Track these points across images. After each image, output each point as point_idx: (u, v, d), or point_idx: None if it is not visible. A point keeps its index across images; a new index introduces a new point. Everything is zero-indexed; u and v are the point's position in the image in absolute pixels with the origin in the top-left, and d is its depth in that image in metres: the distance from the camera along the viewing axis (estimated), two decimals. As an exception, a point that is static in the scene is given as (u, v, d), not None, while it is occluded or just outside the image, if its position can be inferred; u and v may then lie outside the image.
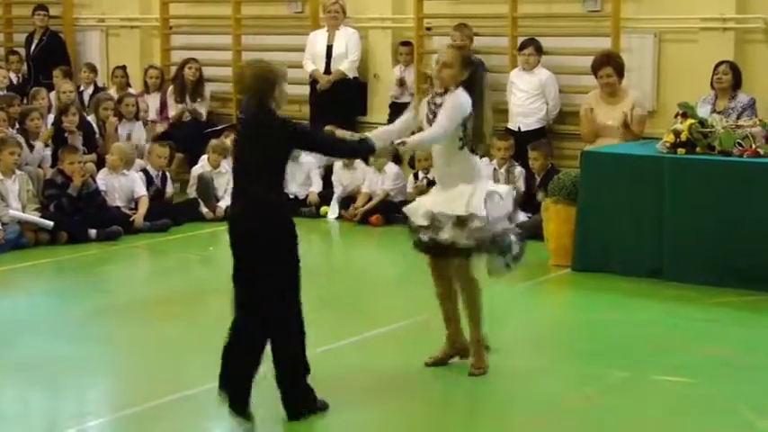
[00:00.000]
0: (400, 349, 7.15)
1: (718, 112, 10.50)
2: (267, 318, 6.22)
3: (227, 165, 13.09)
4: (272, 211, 6.29)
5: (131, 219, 11.88)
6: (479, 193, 6.91)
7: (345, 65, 13.33)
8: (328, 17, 13.51)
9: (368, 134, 6.90)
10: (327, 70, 13.34)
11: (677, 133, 9.59)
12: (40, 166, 12.36)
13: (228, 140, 13.44)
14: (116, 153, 12.35)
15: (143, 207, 12.07)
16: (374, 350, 7.16)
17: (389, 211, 12.12)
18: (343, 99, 13.36)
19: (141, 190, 12.24)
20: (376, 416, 6.55)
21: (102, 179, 12.17)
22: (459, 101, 6.89)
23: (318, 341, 7.17)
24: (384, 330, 7.76)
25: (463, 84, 6.97)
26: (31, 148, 12.36)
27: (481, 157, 7.27)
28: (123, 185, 12.20)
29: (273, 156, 6.28)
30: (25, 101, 13.79)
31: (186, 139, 14.10)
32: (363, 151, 6.88)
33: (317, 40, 13.56)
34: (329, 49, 13.40)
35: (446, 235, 6.83)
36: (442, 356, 7.19)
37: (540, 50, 12.34)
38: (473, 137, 6.93)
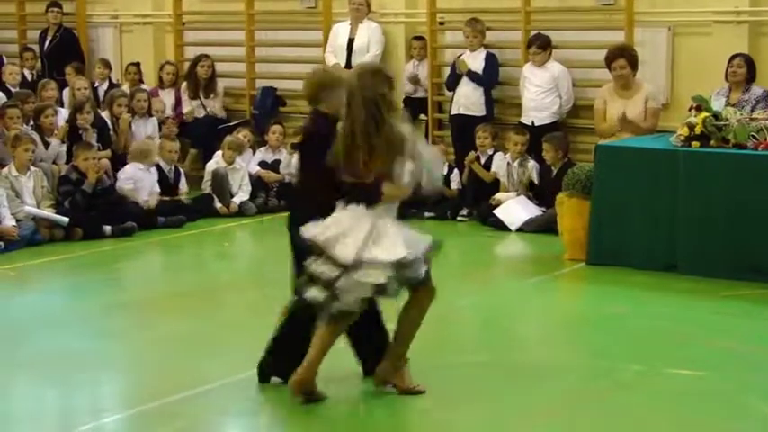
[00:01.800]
0: (413, 346, 7.14)
1: (732, 105, 10.49)
2: None
3: (241, 161, 13.14)
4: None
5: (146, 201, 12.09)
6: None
7: (367, 59, 13.28)
8: (352, 9, 13.45)
9: None
10: (348, 64, 13.30)
11: (691, 126, 9.58)
12: (54, 163, 12.40)
13: (242, 136, 13.48)
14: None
15: (154, 199, 12.25)
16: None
17: (400, 208, 12.10)
18: None
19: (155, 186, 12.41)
20: (390, 411, 6.56)
21: (131, 175, 12.27)
22: None
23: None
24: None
25: None
26: (46, 144, 12.40)
27: None
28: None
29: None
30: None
31: (200, 135, 14.15)
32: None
33: (338, 33, 13.51)
34: (350, 42, 13.36)
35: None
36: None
37: (544, 46, 12.29)
38: None
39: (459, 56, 12.70)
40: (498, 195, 12.01)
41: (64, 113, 13.28)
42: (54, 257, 10.75)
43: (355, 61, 13.22)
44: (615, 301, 8.90)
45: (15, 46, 16.67)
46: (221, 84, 14.65)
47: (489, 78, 12.63)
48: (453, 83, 12.73)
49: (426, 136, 13.41)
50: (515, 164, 12.07)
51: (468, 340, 8.18)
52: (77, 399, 6.93)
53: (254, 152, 13.53)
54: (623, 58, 11.27)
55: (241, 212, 12.73)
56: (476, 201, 12.21)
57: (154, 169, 12.47)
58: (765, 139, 9.34)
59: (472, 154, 12.31)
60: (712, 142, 9.51)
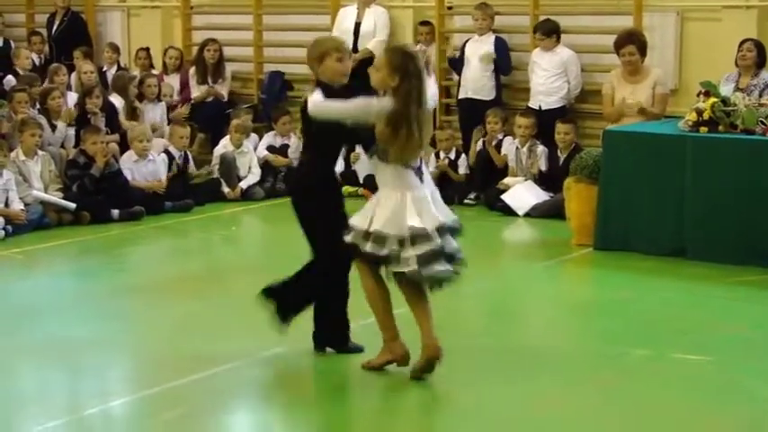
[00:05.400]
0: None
1: (741, 90, 10.46)
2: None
3: (249, 144, 13.14)
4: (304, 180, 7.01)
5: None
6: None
7: (373, 43, 13.19)
8: None
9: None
10: (355, 48, 13.24)
11: (700, 112, 9.55)
12: (62, 147, 12.39)
13: (249, 119, 13.49)
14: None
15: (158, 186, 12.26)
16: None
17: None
18: (369, 78, 13.24)
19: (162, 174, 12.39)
20: (395, 396, 6.57)
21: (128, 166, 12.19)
22: (369, 104, 6.98)
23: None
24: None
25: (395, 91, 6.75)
26: (53, 128, 12.39)
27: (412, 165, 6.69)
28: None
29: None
30: (45, 81, 13.81)
31: (208, 119, 14.14)
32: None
33: (345, 17, 13.45)
34: (357, 26, 13.30)
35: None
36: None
37: (548, 33, 12.24)
38: (389, 145, 6.64)
39: (465, 42, 12.73)
40: (506, 180, 11.99)
41: (72, 97, 13.29)
42: (61, 241, 10.76)
43: (361, 45, 13.15)
44: (622, 287, 8.90)
45: (23, 30, 16.67)
46: (229, 68, 14.64)
47: (504, 63, 12.63)
48: (458, 66, 12.74)
49: (434, 121, 13.41)
50: (524, 149, 12.06)
51: (474, 325, 8.16)
52: (84, 382, 6.94)
53: (260, 137, 13.53)
54: (632, 43, 11.25)
55: (249, 197, 12.73)
56: (483, 185, 12.19)
57: (156, 157, 12.42)
58: (774, 125, 9.32)
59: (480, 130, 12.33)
60: (720, 128, 9.48)
